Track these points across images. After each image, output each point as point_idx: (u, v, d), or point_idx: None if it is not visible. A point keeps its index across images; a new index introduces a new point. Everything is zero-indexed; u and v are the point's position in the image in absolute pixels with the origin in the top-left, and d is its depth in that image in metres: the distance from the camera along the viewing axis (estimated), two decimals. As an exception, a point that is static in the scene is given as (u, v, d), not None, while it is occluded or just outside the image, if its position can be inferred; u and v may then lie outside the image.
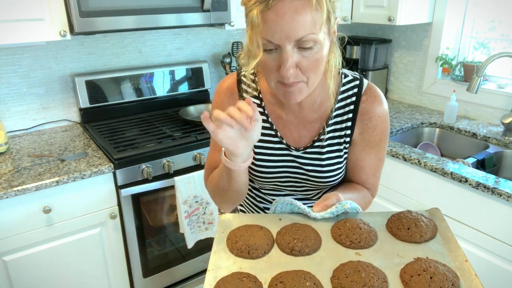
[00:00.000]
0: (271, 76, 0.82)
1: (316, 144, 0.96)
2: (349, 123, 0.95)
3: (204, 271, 2.14)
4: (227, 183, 0.90)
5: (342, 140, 0.96)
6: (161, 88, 2.27)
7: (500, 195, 1.46)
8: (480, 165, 1.80)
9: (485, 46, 2.24)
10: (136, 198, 1.78)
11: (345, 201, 0.87)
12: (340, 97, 0.95)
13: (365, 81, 0.96)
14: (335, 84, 0.94)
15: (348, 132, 0.95)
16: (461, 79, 2.24)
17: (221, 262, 0.76)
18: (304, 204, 0.90)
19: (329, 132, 0.95)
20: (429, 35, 2.33)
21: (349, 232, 0.81)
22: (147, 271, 1.93)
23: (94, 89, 2.07)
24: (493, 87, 2.11)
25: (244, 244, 0.79)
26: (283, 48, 0.76)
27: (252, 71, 0.97)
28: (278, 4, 0.73)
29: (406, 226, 0.82)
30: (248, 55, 0.84)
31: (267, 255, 0.78)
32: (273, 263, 0.76)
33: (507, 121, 1.90)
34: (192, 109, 2.25)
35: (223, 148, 0.84)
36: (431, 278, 0.68)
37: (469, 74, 2.18)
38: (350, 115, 0.94)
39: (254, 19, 0.75)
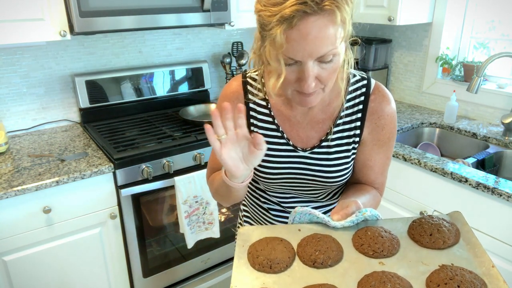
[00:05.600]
0: (288, 86, 0.82)
1: (324, 144, 0.96)
2: (358, 123, 0.95)
3: (204, 271, 2.14)
4: (226, 195, 0.92)
5: (351, 140, 0.96)
6: (161, 88, 2.27)
7: (500, 195, 1.46)
8: (480, 165, 1.80)
9: (485, 46, 2.24)
10: (136, 198, 1.78)
11: (365, 209, 0.86)
12: (348, 97, 0.95)
13: (373, 81, 0.96)
14: (344, 84, 0.94)
15: (357, 132, 0.95)
16: (461, 79, 2.24)
17: (243, 278, 0.75)
18: (311, 206, 0.89)
19: (337, 132, 0.96)
20: (429, 35, 2.33)
21: (371, 241, 0.80)
22: (147, 271, 1.93)
23: (94, 89, 2.07)
24: (493, 87, 2.11)
25: (265, 259, 0.77)
26: (305, 64, 0.76)
27: (256, 72, 0.97)
28: (301, 24, 0.71)
29: (428, 232, 0.81)
30: (258, 62, 0.85)
31: (289, 269, 0.77)
32: (296, 277, 0.75)
33: (507, 121, 1.90)
34: (192, 109, 2.25)
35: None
36: (458, 286, 0.67)
37: (469, 74, 2.18)
38: (359, 115, 0.95)
39: (277, 39, 0.73)
